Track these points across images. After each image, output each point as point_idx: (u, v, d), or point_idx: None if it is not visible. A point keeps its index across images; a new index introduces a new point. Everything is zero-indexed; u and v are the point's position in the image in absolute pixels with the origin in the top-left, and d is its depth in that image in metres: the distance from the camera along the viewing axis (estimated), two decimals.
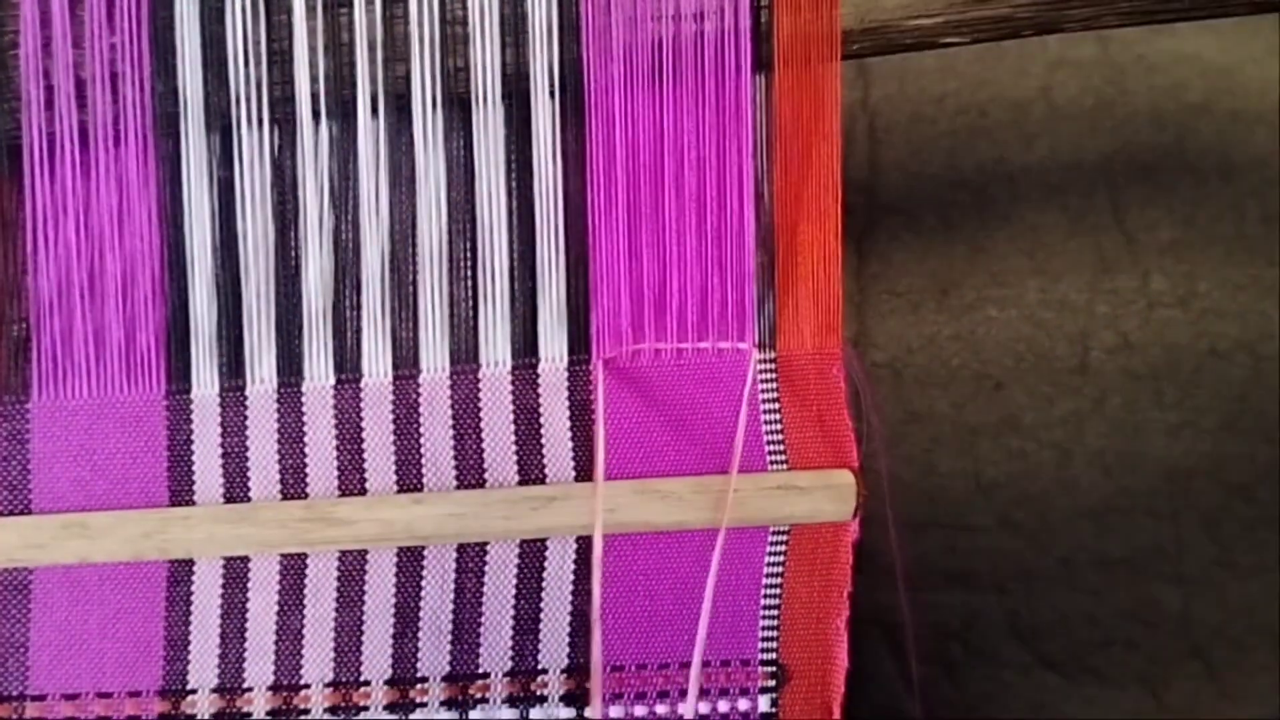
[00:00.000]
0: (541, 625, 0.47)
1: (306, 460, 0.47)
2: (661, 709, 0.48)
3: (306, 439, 0.47)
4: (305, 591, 0.47)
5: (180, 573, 0.46)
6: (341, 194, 0.46)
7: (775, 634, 0.48)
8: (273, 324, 0.46)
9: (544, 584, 0.47)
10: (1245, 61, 0.60)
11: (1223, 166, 0.60)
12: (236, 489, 0.47)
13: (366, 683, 0.47)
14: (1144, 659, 0.60)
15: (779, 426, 0.47)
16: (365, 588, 0.47)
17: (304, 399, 0.47)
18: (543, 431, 0.47)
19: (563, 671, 0.47)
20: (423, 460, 0.47)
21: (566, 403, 0.47)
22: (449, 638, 0.47)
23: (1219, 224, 0.60)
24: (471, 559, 0.47)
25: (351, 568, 0.47)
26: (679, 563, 0.47)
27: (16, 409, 0.46)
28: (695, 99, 0.46)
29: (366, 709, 0.47)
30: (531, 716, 0.47)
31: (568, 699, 0.47)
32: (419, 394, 0.47)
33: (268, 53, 0.46)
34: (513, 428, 0.47)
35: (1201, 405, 0.60)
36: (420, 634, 0.47)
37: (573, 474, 0.47)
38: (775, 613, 0.48)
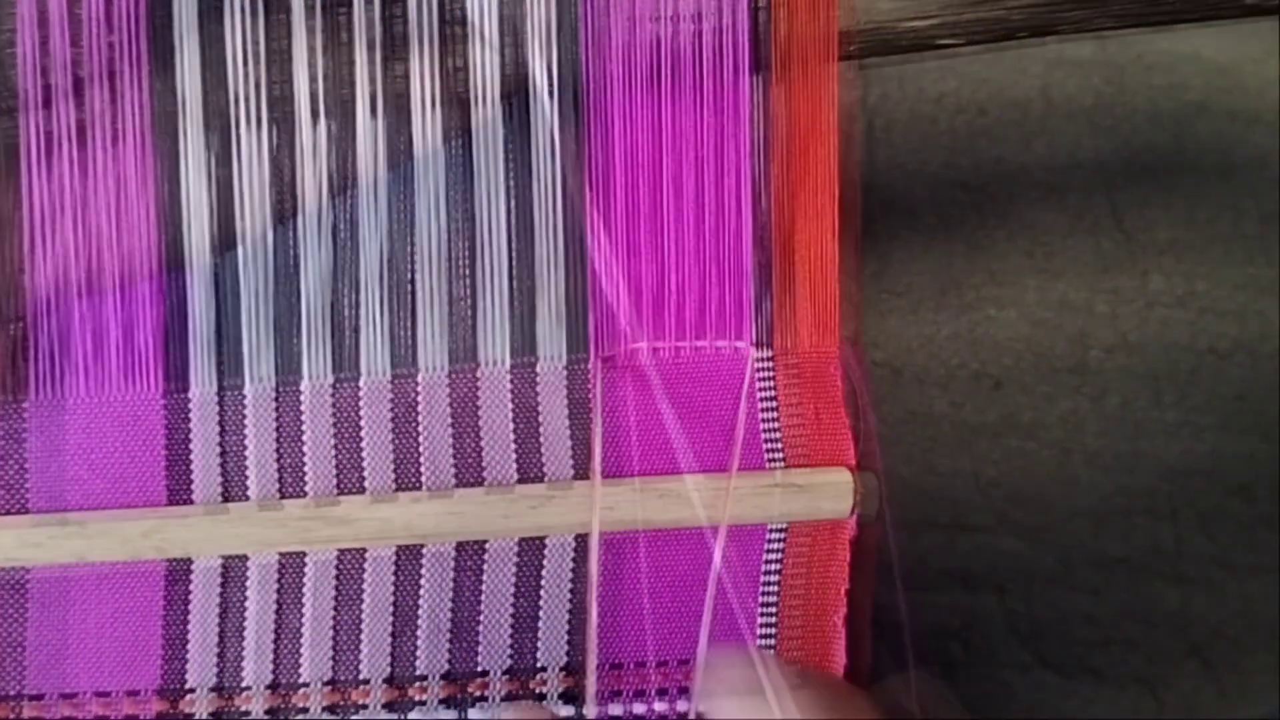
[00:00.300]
0: (540, 623, 0.47)
1: (305, 459, 0.47)
2: (660, 706, 0.48)
3: (305, 438, 0.47)
4: (304, 590, 0.47)
5: (178, 572, 0.46)
6: (340, 193, 0.46)
7: (773, 631, 0.48)
8: (271, 323, 0.46)
9: (542, 582, 0.47)
10: (1244, 61, 0.60)
11: (1222, 166, 0.60)
12: (235, 488, 0.47)
13: (365, 681, 0.47)
14: (1143, 658, 0.60)
15: (777, 425, 0.48)
16: (364, 586, 0.47)
17: (302, 398, 0.47)
18: (541, 430, 0.47)
19: (561, 669, 0.47)
20: (421, 459, 0.47)
21: (565, 401, 0.47)
22: (447, 636, 0.47)
23: (1218, 223, 0.60)
24: (470, 557, 0.47)
25: (350, 566, 0.47)
26: (677, 560, 0.47)
27: (13, 408, 0.46)
28: (694, 99, 0.46)
29: (365, 707, 0.47)
30: None
31: (567, 696, 0.47)
32: (417, 393, 0.47)
33: (266, 51, 0.46)
34: (511, 426, 0.47)
35: (1200, 405, 0.59)
36: (419, 632, 0.47)
37: (571, 472, 0.47)
38: (773, 610, 0.48)
